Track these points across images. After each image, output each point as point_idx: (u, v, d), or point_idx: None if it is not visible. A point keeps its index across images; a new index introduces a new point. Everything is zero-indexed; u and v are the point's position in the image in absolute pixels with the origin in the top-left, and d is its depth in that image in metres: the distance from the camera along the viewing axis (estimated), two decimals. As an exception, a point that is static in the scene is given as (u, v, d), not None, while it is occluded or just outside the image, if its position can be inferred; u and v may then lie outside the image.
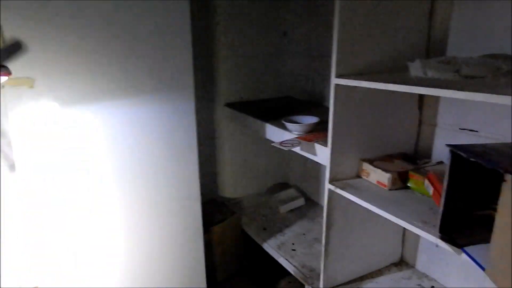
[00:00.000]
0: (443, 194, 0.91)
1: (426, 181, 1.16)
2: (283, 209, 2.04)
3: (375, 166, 1.27)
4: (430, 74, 1.08)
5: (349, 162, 1.33)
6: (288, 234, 1.83)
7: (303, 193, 2.16)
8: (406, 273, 1.52)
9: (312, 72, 2.01)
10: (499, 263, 0.79)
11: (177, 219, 1.55)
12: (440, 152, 1.37)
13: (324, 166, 1.32)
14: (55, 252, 1.32)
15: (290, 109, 1.81)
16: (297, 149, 1.45)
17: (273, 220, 1.97)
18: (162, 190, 1.48)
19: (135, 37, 1.28)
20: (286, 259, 1.64)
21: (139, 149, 1.40)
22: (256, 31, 2.03)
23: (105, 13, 1.21)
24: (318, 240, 1.75)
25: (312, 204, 2.11)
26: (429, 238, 0.97)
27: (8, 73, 1.05)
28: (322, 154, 1.35)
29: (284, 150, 1.45)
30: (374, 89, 1.09)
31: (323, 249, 1.38)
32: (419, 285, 1.46)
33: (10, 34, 1.09)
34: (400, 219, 1.06)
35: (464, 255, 0.90)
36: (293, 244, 1.75)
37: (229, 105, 2.02)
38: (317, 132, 1.47)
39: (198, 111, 1.49)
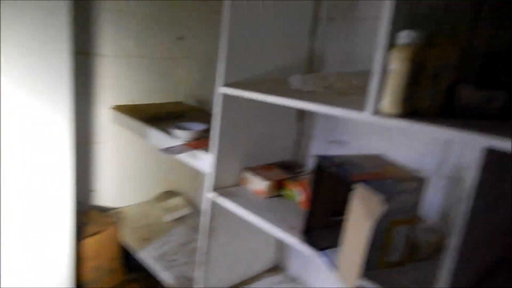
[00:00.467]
0: (308, 200, 0.97)
1: (297, 189, 1.22)
2: (167, 218, 1.97)
3: (255, 175, 1.30)
4: (308, 88, 1.15)
5: (231, 171, 1.34)
6: (170, 245, 1.77)
7: (191, 202, 2.12)
8: (278, 278, 1.58)
9: (205, 79, 2.01)
10: (346, 265, 0.86)
11: (45, 229, 1.40)
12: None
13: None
14: None
15: (181, 115, 1.77)
16: (182, 156, 1.41)
17: (156, 231, 1.89)
18: (31, 195, 1.32)
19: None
20: (165, 270, 1.58)
21: (11, 150, 1.23)
22: (150, 33, 1.96)
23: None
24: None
25: (199, 213, 2.08)
26: (294, 242, 1.02)
27: None
28: (204, 162, 1.34)
29: (170, 156, 1.41)
30: (258, 99, 1.12)
31: (202, 257, 1.36)
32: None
33: None
34: (271, 225, 1.09)
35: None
36: (174, 254, 1.70)
37: (117, 108, 1.90)
38: (205, 139, 1.46)
39: (78, 113, 1.37)
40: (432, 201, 1.13)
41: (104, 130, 1.95)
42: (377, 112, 0.82)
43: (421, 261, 0.99)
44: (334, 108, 0.88)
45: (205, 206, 1.31)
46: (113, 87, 1.91)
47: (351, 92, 1.09)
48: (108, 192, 2.04)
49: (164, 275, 1.57)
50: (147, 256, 1.68)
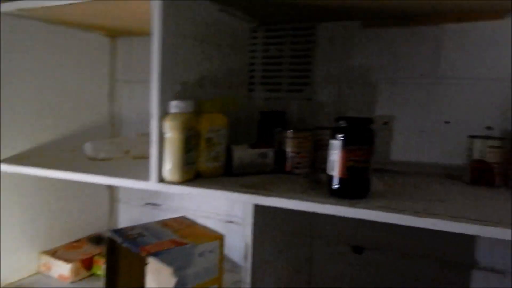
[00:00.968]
0: (105, 280, 0.88)
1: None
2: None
3: (56, 258, 1.14)
4: (102, 155, 1.08)
5: (25, 259, 1.14)
6: None
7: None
8: None
9: None
10: None
11: None
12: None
13: None
14: None
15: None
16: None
17: None
18: None
19: None
20: None
21: None
22: None
23: None
24: None
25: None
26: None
27: None
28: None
29: None
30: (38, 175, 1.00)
31: None
32: None
33: None
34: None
35: None
36: None
37: None
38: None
39: None
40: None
41: None
42: (161, 179, 0.81)
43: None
44: (119, 179, 0.85)
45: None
46: None
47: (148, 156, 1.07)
48: None
49: None
50: None
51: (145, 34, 0.76)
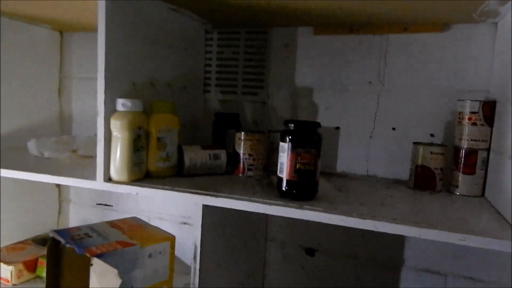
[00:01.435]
0: (47, 282, 0.85)
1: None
2: None
3: (-4, 260, 1.09)
4: (47, 154, 1.04)
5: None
6: None
7: None
8: None
9: None
10: None
11: None
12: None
13: None
14: None
15: None
16: None
17: None
18: None
19: None
20: None
21: None
22: None
23: None
24: None
25: None
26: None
27: None
28: None
29: None
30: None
31: None
32: None
33: None
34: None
35: None
36: None
37: None
38: None
39: None
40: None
41: None
42: (109, 179, 0.79)
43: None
44: (65, 178, 0.82)
45: None
46: None
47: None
48: None
49: None
50: None
51: (95, 29, 0.74)
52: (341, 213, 0.65)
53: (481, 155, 0.85)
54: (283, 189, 0.72)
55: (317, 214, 0.66)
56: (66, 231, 0.86)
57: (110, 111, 0.77)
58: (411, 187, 0.91)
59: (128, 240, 0.85)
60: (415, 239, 1.00)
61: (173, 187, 0.76)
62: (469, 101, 0.84)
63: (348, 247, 1.07)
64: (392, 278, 1.03)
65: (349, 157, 1.05)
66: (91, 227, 0.91)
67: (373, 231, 1.03)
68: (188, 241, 1.20)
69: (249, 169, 0.91)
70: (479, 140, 0.84)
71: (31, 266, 1.11)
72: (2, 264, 1.06)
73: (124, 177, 0.78)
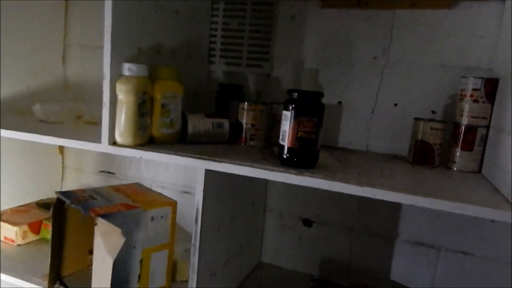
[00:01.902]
0: (52, 241, 0.88)
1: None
2: None
3: (3, 220, 1.11)
4: (52, 118, 1.05)
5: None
6: None
7: None
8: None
9: None
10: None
11: None
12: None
13: None
14: None
15: None
16: None
17: None
18: None
19: None
20: None
21: None
22: None
23: None
24: None
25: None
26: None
27: None
28: None
29: None
30: None
31: None
32: None
33: None
34: (17, 278, 0.95)
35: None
36: None
37: None
38: None
39: None
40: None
41: None
42: (114, 142, 0.81)
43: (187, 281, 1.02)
44: (70, 141, 0.83)
45: None
46: None
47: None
48: None
49: None
50: None
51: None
52: (340, 180, 0.67)
53: (480, 132, 0.86)
54: (284, 156, 0.74)
55: (317, 181, 0.68)
56: (71, 193, 0.88)
57: (116, 75, 0.78)
58: (409, 162, 0.92)
59: (131, 203, 0.87)
60: (411, 212, 1.03)
61: (176, 152, 0.78)
62: (472, 78, 0.85)
63: (344, 219, 1.09)
64: (387, 250, 1.06)
65: (350, 132, 1.06)
66: (95, 190, 0.93)
67: (369, 204, 1.06)
68: (189, 209, 1.22)
69: (251, 139, 0.93)
70: (479, 117, 0.86)
71: (35, 228, 1.14)
72: (7, 224, 1.09)
73: (128, 140, 0.79)
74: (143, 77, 0.78)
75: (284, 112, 0.73)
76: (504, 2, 0.90)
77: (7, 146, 1.16)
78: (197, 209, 0.76)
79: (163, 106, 0.82)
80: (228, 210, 0.89)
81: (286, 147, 0.73)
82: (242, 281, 1.06)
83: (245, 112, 0.92)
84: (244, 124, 0.92)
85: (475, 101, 0.85)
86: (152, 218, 0.89)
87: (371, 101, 1.04)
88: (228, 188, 0.87)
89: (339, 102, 1.07)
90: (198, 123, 0.88)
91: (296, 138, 0.72)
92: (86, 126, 1.04)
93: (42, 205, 1.25)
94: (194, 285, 0.78)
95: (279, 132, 0.75)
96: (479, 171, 0.87)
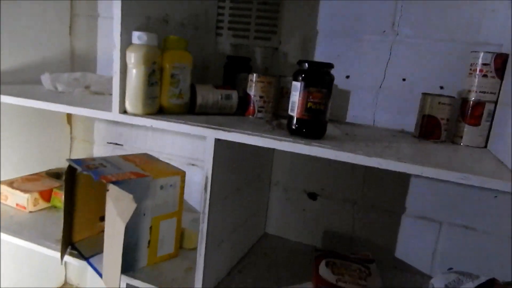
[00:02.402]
0: (65, 207, 0.90)
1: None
2: None
3: (14, 188, 1.14)
4: (60, 88, 1.06)
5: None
6: None
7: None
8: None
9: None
10: (108, 269, 0.84)
11: None
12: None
13: None
14: None
15: None
16: None
17: None
18: None
19: None
20: None
21: None
22: None
23: None
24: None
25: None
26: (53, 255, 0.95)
27: None
28: None
29: None
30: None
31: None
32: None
33: None
34: (31, 242, 0.98)
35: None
36: None
37: None
38: None
39: None
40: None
41: None
42: (124, 111, 0.82)
43: (195, 249, 1.05)
44: (81, 109, 0.84)
45: None
46: None
47: (109, 92, 1.06)
48: None
49: None
50: None
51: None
52: (347, 150, 0.68)
53: (488, 107, 0.86)
54: (293, 127, 0.75)
55: (324, 151, 0.69)
56: (82, 161, 0.90)
57: (126, 44, 0.78)
58: (416, 136, 0.93)
59: (141, 172, 0.89)
60: (414, 187, 1.04)
61: (186, 122, 0.79)
62: (482, 53, 0.85)
63: (349, 192, 1.11)
64: (389, 222, 1.08)
65: (357, 107, 1.07)
66: (105, 159, 0.95)
67: (374, 178, 1.07)
68: (196, 180, 1.24)
69: (259, 111, 0.93)
70: (487, 92, 0.86)
71: (46, 195, 1.16)
72: (18, 192, 1.12)
73: (138, 109, 0.80)
74: (153, 46, 0.79)
75: (294, 82, 0.74)
76: (519, -24, 0.88)
77: (15, 115, 1.17)
78: (206, 177, 0.78)
79: (172, 76, 0.83)
80: (235, 181, 0.91)
81: (295, 117, 0.74)
82: (248, 251, 1.09)
83: (253, 84, 0.92)
84: (252, 96, 0.92)
85: (484, 76, 0.85)
86: (161, 187, 0.91)
87: (379, 76, 1.04)
88: (236, 159, 0.88)
89: (347, 77, 1.07)
90: (207, 94, 0.88)
91: (305, 108, 0.72)
92: (94, 96, 1.05)
93: (52, 174, 1.28)
94: (203, 250, 0.80)
95: (287, 105, 0.76)
96: (485, 146, 0.88)
